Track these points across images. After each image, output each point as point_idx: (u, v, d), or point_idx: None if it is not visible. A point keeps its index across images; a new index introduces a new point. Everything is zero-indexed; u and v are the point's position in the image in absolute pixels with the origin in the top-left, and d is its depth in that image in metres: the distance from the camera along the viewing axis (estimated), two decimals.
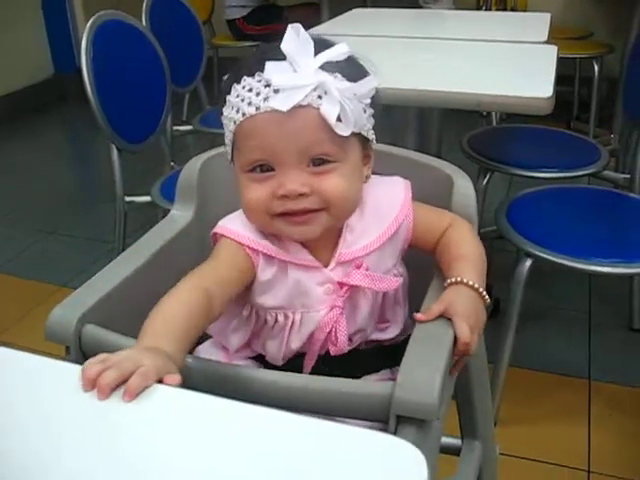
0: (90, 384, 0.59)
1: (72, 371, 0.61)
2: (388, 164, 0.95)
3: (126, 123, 1.89)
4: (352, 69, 0.82)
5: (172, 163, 2.19)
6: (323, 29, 2.14)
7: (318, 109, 0.78)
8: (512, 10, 3.81)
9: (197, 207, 1.02)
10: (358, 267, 0.89)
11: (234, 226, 0.88)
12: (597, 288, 2.24)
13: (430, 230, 0.92)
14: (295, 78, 0.77)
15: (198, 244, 1.01)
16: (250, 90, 0.80)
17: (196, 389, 0.72)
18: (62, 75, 4.30)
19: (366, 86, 0.81)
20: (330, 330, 0.88)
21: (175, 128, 2.51)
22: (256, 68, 0.80)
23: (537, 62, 1.68)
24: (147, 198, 1.91)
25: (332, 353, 0.89)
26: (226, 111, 0.84)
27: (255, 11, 3.97)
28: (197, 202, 1.03)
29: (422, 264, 0.92)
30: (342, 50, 0.80)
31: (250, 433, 0.55)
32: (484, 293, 0.83)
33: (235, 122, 0.82)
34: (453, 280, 0.83)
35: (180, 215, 1.01)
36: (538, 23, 2.17)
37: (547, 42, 1.92)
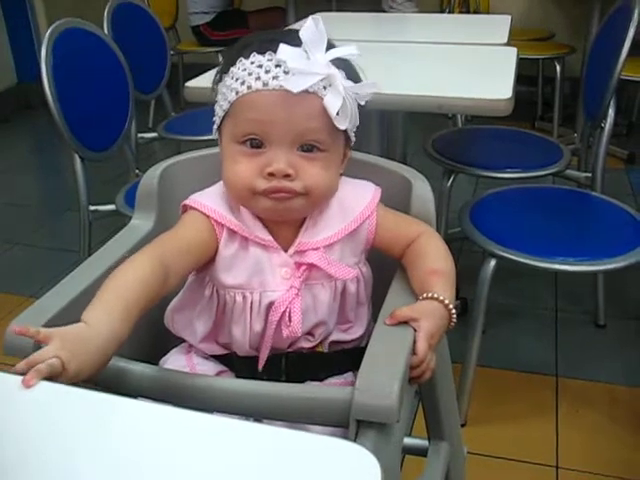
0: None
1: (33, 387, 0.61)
2: (348, 168, 0.95)
3: (89, 132, 1.87)
4: (353, 72, 0.88)
5: (137, 171, 2.17)
6: None
7: (322, 98, 0.82)
8: (474, 13, 3.84)
9: (157, 215, 1.02)
10: (316, 250, 0.91)
11: (203, 199, 0.91)
12: (563, 285, 2.26)
13: (396, 236, 0.94)
14: (309, 64, 0.81)
15: None
16: (260, 66, 0.83)
17: (156, 399, 0.72)
18: (25, 84, 4.25)
19: (367, 89, 0.86)
20: (285, 311, 0.89)
21: (140, 135, 2.49)
22: (267, 47, 0.84)
23: (497, 64, 1.70)
24: (112, 207, 1.89)
25: (285, 336, 0.89)
26: (228, 81, 0.86)
27: (219, 17, 3.97)
28: (157, 210, 1.02)
29: (388, 268, 0.93)
30: (352, 51, 0.86)
31: (204, 442, 0.55)
32: (454, 314, 0.84)
33: (238, 93, 0.84)
34: (430, 295, 0.84)
35: (140, 224, 1.01)
36: (499, 25, 2.19)
37: (507, 44, 1.94)
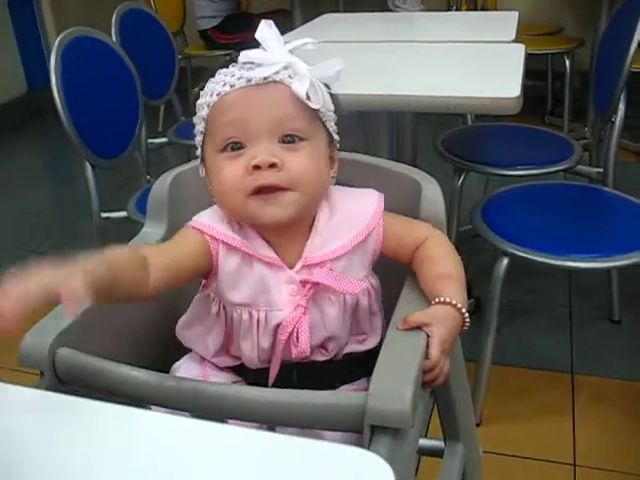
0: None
1: (45, 399, 0.62)
2: (356, 172, 0.96)
3: (99, 139, 1.88)
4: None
5: (148, 176, 2.18)
6: (295, 35, 2.15)
7: (289, 87, 0.84)
8: (482, 9, 3.83)
9: (168, 223, 1.02)
10: (322, 267, 0.90)
11: (203, 218, 0.92)
12: (577, 282, 2.25)
13: (403, 241, 0.93)
14: (267, 55, 0.84)
15: None
16: (225, 75, 0.87)
17: (170, 407, 0.72)
18: (36, 92, 4.28)
19: (331, 68, 0.86)
20: (292, 330, 0.89)
21: (150, 141, 2.50)
22: (230, 63, 0.88)
23: (505, 61, 1.69)
24: (124, 213, 1.90)
25: (294, 355, 0.89)
26: (200, 101, 0.88)
27: (226, 20, 3.98)
28: (168, 218, 1.02)
29: (395, 274, 0.92)
30: (308, 41, 0.87)
31: (218, 452, 0.55)
32: (467, 318, 0.84)
33: (209, 105, 0.87)
34: (442, 300, 0.83)
35: (151, 232, 1.01)
36: (506, 22, 2.18)
37: (515, 41, 1.93)
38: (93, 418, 0.60)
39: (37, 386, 0.77)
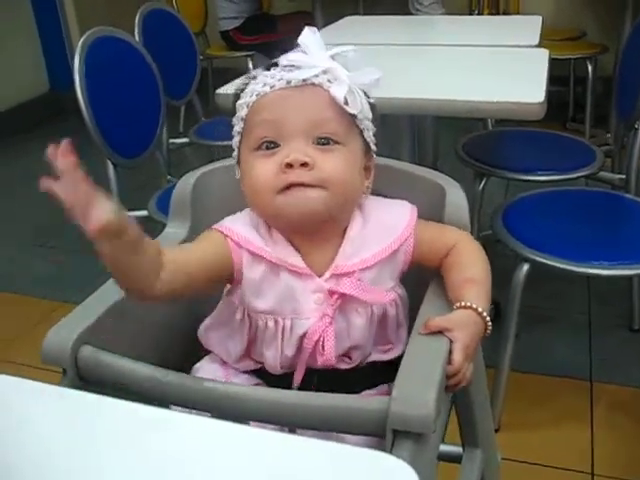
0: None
1: (68, 397, 0.62)
2: (380, 176, 0.95)
3: (121, 138, 1.89)
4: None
5: (169, 176, 2.19)
6: None
7: (328, 91, 0.84)
8: (504, 14, 3.82)
9: (191, 224, 1.03)
10: (350, 277, 0.89)
11: (231, 223, 0.91)
12: (597, 289, 2.23)
13: (433, 246, 0.93)
14: (308, 58, 0.85)
15: None
16: (266, 76, 0.87)
17: (192, 408, 0.72)
18: (58, 91, 4.31)
19: (369, 76, 0.87)
20: (318, 339, 0.88)
21: (171, 141, 2.51)
22: (273, 65, 0.89)
23: (529, 66, 1.68)
24: (144, 212, 1.91)
25: (319, 364, 0.89)
26: (240, 101, 0.89)
27: (248, 21, 3.98)
28: (191, 219, 1.03)
29: (426, 287, 0.92)
30: (349, 47, 0.87)
31: (240, 454, 0.55)
32: (489, 323, 0.83)
33: (248, 105, 0.87)
34: (464, 304, 0.83)
35: (174, 232, 1.02)
36: (530, 26, 2.17)
37: (539, 45, 1.92)
38: (114, 417, 0.60)
39: (59, 384, 0.78)
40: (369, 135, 0.90)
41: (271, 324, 0.90)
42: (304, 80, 0.84)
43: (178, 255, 0.85)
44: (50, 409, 0.62)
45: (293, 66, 0.86)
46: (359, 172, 0.90)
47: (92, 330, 0.82)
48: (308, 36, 0.86)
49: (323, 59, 0.85)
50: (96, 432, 0.58)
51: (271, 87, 0.86)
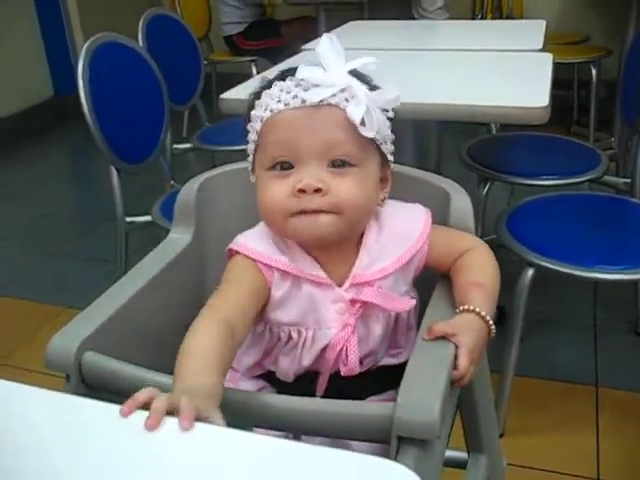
0: (130, 409, 0.59)
1: (71, 403, 0.62)
2: None
3: (125, 144, 1.90)
4: (375, 85, 0.87)
5: (172, 182, 2.19)
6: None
7: (344, 110, 0.81)
8: (508, 18, 3.81)
9: (195, 229, 1.02)
10: (371, 286, 0.89)
11: (249, 242, 0.89)
12: (602, 293, 2.23)
13: (446, 253, 0.92)
14: (326, 76, 0.82)
15: (197, 266, 1.01)
16: (281, 90, 0.84)
17: None
18: (62, 96, 4.32)
19: (389, 94, 0.84)
20: (341, 349, 0.88)
21: (175, 146, 2.52)
22: (288, 73, 0.85)
23: (532, 71, 1.68)
24: (148, 218, 1.91)
25: (343, 373, 0.89)
26: (254, 113, 0.87)
27: (252, 26, 3.99)
28: (195, 224, 1.03)
29: (431, 287, 0.92)
30: (370, 60, 0.85)
31: (245, 461, 0.55)
32: (493, 327, 0.83)
33: (262, 120, 0.85)
34: (468, 308, 0.83)
35: (178, 238, 1.01)
36: (533, 31, 2.17)
37: (542, 50, 1.92)
38: (117, 423, 0.59)
39: (63, 390, 0.77)
40: (387, 147, 0.88)
41: (295, 335, 0.90)
42: (320, 100, 0.81)
43: (236, 311, 0.82)
44: (51, 415, 0.62)
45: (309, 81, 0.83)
46: (375, 188, 0.88)
47: (96, 336, 0.81)
48: (326, 47, 0.82)
49: (341, 76, 0.82)
50: (97, 438, 0.58)
51: (285, 104, 0.83)
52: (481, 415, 1.02)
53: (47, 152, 4.06)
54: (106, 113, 1.81)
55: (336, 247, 0.88)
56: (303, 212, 0.83)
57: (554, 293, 2.20)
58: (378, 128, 0.83)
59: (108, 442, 0.58)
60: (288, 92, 0.83)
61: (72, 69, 1.80)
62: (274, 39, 3.98)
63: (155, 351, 0.94)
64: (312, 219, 0.83)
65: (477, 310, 0.82)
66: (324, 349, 0.89)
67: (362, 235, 0.91)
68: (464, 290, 0.86)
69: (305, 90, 0.82)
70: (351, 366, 0.88)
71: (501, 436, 1.65)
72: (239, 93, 1.51)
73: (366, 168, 0.85)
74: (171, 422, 0.58)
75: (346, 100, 0.82)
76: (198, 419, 0.59)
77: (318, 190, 0.82)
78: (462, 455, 1.12)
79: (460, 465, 1.12)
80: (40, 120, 4.23)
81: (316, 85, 0.81)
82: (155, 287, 0.92)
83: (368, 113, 0.81)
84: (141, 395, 0.60)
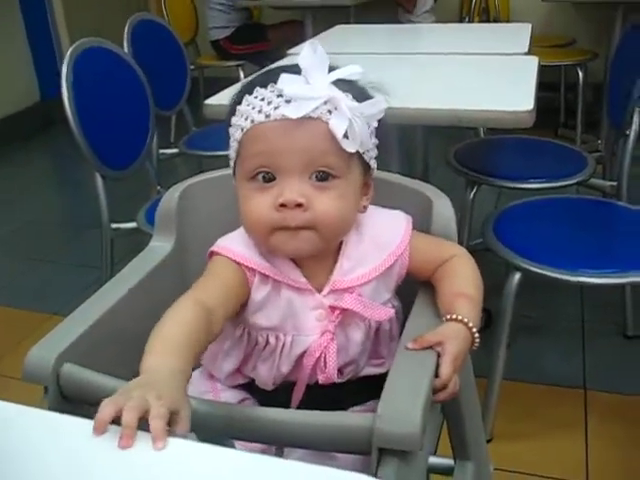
0: (101, 427, 0.57)
1: (50, 419, 0.61)
2: None
3: (110, 150, 1.88)
4: (361, 92, 0.85)
5: (158, 187, 2.18)
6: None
7: (327, 123, 0.80)
8: (494, 21, 3.83)
9: (177, 237, 1.01)
10: (351, 293, 0.88)
11: (232, 245, 0.89)
12: (590, 296, 2.22)
13: (428, 260, 0.92)
14: (308, 89, 0.79)
15: (178, 275, 1.00)
16: (262, 99, 0.82)
17: None
18: (48, 101, 4.29)
19: (375, 107, 0.82)
20: (319, 356, 0.88)
21: (161, 151, 2.50)
22: (270, 80, 0.82)
23: (518, 74, 1.68)
24: (133, 224, 1.90)
25: (320, 381, 0.88)
26: (234, 120, 0.85)
27: (239, 30, 3.99)
28: (176, 232, 1.02)
29: (412, 296, 0.91)
30: (355, 70, 0.82)
31: (227, 477, 0.54)
32: (477, 338, 0.82)
33: (243, 129, 0.83)
34: (455, 317, 0.82)
35: (159, 246, 1.01)
36: (519, 34, 2.17)
37: (528, 53, 1.92)
38: (93, 438, 0.58)
39: (41, 402, 0.76)
40: (369, 155, 0.87)
41: (272, 340, 0.89)
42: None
43: (216, 301, 0.82)
44: (25, 431, 0.60)
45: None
46: (356, 198, 0.87)
47: (76, 346, 0.80)
48: (308, 57, 0.80)
49: (324, 88, 0.79)
50: (74, 454, 0.57)
51: (267, 116, 0.80)
52: (467, 422, 1.02)
53: (32, 158, 4.03)
54: (90, 118, 1.80)
55: (317, 254, 0.87)
56: (285, 228, 0.82)
57: (541, 297, 2.20)
58: (361, 140, 0.81)
59: (82, 459, 0.57)
60: (269, 103, 0.81)
61: (58, 74, 1.79)
62: (261, 43, 3.98)
63: (136, 360, 0.92)
64: (292, 234, 0.82)
65: (465, 320, 0.81)
66: (302, 356, 0.89)
67: (341, 242, 0.90)
68: (450, 299, 0.86)
69: (287, 102, 0.80)
70: (329, 374, 0.87)
71: (489, 441, 1.64)
72: (223, 98, 1.50)
73: (348, 179, 0.84)
74: (145, 438, 0.57)
75: (329, 112, 0.80)
76: (170, 421, 0.58)
77: (299, 205, 0.80)
78: (449, 462, 1.11)
79: (447, 472, 1.11)
80: (26, 125, 4.21)
81: (298, 98, 0.79)
82: (136, 296, 0.91)
83: (351, 126, 0.79)
84: (107, 409, 0.58)
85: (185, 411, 0.62)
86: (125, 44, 2.26)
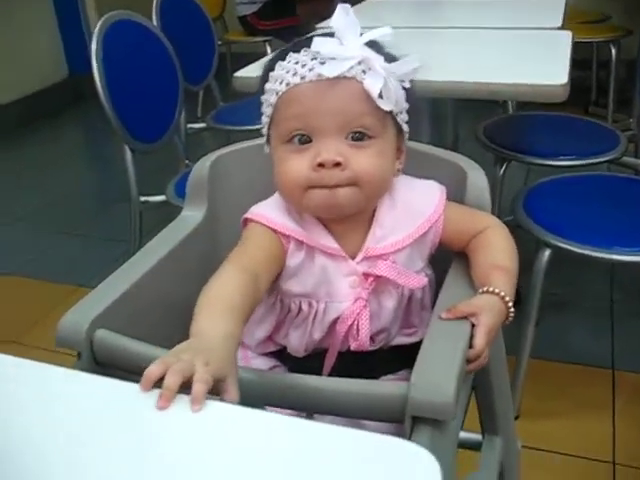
0: (148, 385, 0.58)
1: (83, 380, 0.61)
2: None
3: (139, 123, 1.89)
4: (392, 57, 0.85)
5: (187, 161, 2.19)
6: None
7: (361, 83, 0.80)
8: None
9: (208, 207, 1.02)
10: (385, 260, 0.88)
11: (266, 212, 0.89)
12: (619, 275, 2.20)
13: (462, 228, 0.91)
14: (342, 49, 0.79)
15: (209, 244, 1.00)
16: (296, 63, 0.82)
17: (210, 393, 0.71)
18: (77, 76, 4.31)
19: (407, 65, 0.83)
20: (352, 323, 0.88)
21: (189, 126, 2.51)
22: (303, 45, 0.83)
23: (552, 48, 1.65)
24: (162, 197, 1.91)
25: (352, 348, 0.88)
26: (268, 85, 0.85)
27: (266, 6, 3.95)
28: (207, 202, 1.02)
29: (445, 267, 0.90)
30: (386, 31, 0.83)
31: (260, 440, 0.54)
32: (512, 310, 0.82)
33: (277, 93, 0.83)
34: (490, 289, 0.81)
35: (190, 216, 1.01)
36: (553, 8, 2.14)
37: (562, 27, 1.89)
38: (130, 401, 0.59)
39: (74, 367, 0.77)
40: (402, 118, 0.87)
41: (305, 307, 0.90)
42: (338, 74, 0.80)
43: (259, 266, 0.82)
44: (61, 392, 0.61)
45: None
46: (392, 159, 0.88)
47: (108, 313, 0.81)
48: (341, 19, 0.80)
49: (357, 48, 0.80)
50: (106, 415, 0.58)
51: (302, 78, 0.81)
52: (496, 397, 1.01)
53: (62, 133, 4.06)
54: (120, 93, 1.80)
55: (350, 219, 0.87)
56: (322, 186, 0.82)
57: (570, 275, 2.17)
58: (396, 100, 0.82)
59: (119, 420, 0.57)
60: (304, 65, 0.81)
61: (87, 49, 1.79)
62: (289, 18, 3.94)
63: (167, 328, 0.93)
64: (330, 192, 0.82)
65: (502, 294, 0.81)
66: (335, 322, 0.89)
67: (375, 209, 0.90)
68: (486, 271, 0.85)
69: (321, 63, 0.80)
70: (362, 341, 0.88)
71: (516, 418, 1.64)
72: (253, 71, 1.49)
73: (384, 139, 0.84)
74: (182, 400, 0.57)
75: (363, 72, 0.80)
76: (213, 387, 0.59)
77: (337, 164, 0.81)
78: (477, 437, 1.11)
79: (475, 447, 1.11)
80: (55, 101, 4.23)
81: (332, 58, 0.79)
82: (167, 264, 0.92)
83: (386, 85, 0.80)
84: (155, 368, 0.59)
85: (231, 378, 0.62)
86: (154, 17, 2.26)
